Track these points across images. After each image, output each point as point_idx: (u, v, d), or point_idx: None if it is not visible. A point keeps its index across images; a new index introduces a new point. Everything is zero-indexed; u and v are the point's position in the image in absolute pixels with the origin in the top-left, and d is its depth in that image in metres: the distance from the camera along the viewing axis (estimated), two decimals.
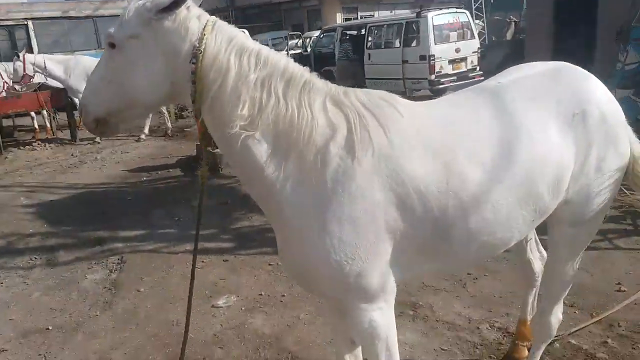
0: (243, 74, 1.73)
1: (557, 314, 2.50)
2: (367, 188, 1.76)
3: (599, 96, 2.13)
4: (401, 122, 1.86)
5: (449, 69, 13.03)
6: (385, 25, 14.25)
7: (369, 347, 1.98)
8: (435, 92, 13.55)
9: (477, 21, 21.28)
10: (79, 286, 4.39)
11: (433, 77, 12.68)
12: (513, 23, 20.96)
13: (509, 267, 4.03)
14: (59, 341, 3.59)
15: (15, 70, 10.16)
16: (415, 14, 13.40)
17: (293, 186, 1.80)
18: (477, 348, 3.19)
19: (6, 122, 11.78)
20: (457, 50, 13.12)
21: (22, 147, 10.30)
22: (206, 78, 1.72)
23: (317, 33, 17.28)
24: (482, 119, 1.98)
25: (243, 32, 1.98)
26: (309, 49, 16.55)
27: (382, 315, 1.91)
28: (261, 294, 3.98)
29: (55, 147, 10.31)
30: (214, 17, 1.83)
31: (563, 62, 2.31)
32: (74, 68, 9.98)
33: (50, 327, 3.77)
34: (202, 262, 4.62)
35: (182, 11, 1.73)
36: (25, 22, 15.21)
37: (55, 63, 10.36)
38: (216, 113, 1.76)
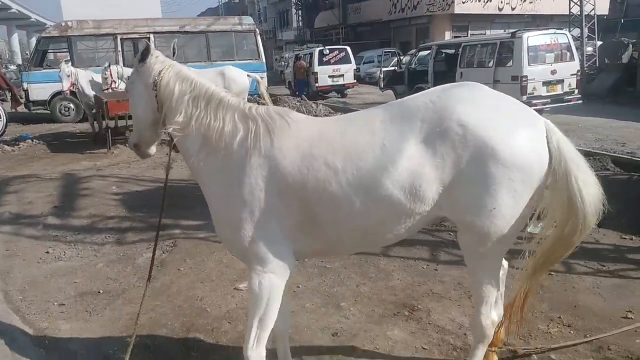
0: (181, 95, 2.52)
1: (487, 315, 2.59)
2: (253, 177, 2.38)
3: (466, 115, 2.25)
4: (286, 131, 2.43)
5: (542, 91, 12.63)
6: (479, 45, 14.16)
7: (251, 301, 2.53)
8: None
9: (589, 42, 20.19)
10: (135, 262, 5.07)
11: (524, 98, 12.31)
12: (631, 45, 19.53)
13: None
14: (104, 303, 4.24)
15: (104, 79, 11.63)
16: (510, 34, 13.19)
17: (208, 171, 2.52)
18: (455, 351, 3.32)
19: (122, 123, 13.30)
20: (553, 72, 12.65)
21: (127, 145, 11.61)
22: (161, 98, 2.55)
23: None
24: (347, 133, 2.38)
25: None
26: (402, 67, 16.77)
27: (270, 282, 2.46)
28: None
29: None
30: (173, 61, 2.65)
31: (463, 83, 2.52)
32: None
33: (101, 291, 4.45)
34: None
35: (151, 59, 2.59)
36: (148, 36, 17.04)
37: None
38: (167, 120, 2.57)
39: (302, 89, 21.06)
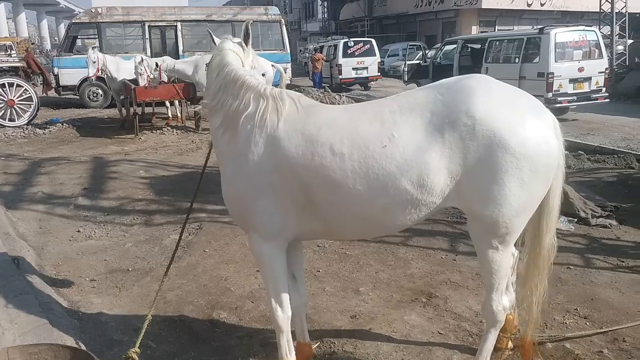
0: (216, 80, 2.70)
1: (498, 301, 2.66)
2: (256, 153, 2.51)
3: (474, 106, 2.32)
4: (294, 114, 2.54)
5: (569, 88, 12.49)
6: (506, 40, 14.05)
7: (260, 269, 2.98)
8: (553, 110, 13.02)
9: (619, 40, 19.84)
10: (162, 243, 5.25)
11: (550, 95, 12.25)
12: None
13: None
14: (133, 280, 4.43)
15: (154, 78, 11.69)
16: (537, 30, 13.06)
17: (222, 145, 2.69)
18: (471, 337, 3.41)
19: (148, 110, 13.59)
20: (581, 70, 12.51)
21: (154, 131, 11.87)
22: (207, 79, 2.83)
23: None
24: (356, 122, 2.45)
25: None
26: (427, 60, 16.73)
27: (269, 249, 2.65)
28: None
29: (180, 134, 11.74)
30: (225, 52, 2.76)
31: (472, 75, 2.57)
32: (201, 66, 11.25)
33: (130, 269, 4.64)
34: None
35: (216, 44, 2.90)
36: (175, 24, 17.32)
37: (186, 64, 11.81)
38: (204, 96, 2.80)
39: (319, 81, 21.12)
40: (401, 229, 2.68)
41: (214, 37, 3.03)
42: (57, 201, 6.75)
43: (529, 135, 2.33)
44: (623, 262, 4.48)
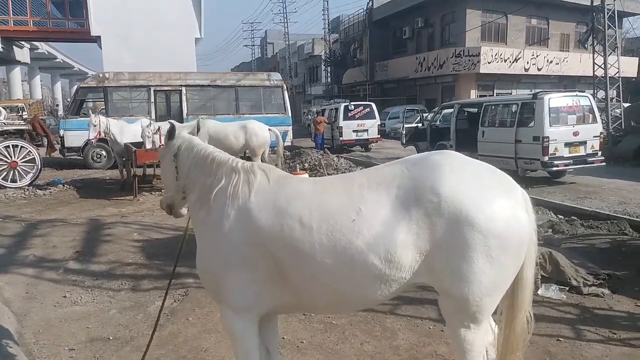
0: (187, 160, 2.88)
1: None
2: (228, 226, 2.56)
3: (440, 183, 2.34)
4: (266, 186, 2.59)
5: (565, 152, 12.61)
6: (501, 105, 14.31)
7: (232, 343, 2.88)
8: (551, 174, 13.20)
9: (616, 104, 20.17)
10: (146, 310, 5.18)
11: (546, 158, 12.37)
12: None
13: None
14: (112, 350, 4.33)
15: (154, 142, 11.82)
16: (532, 95, 13.34)
17: (199, 219, 2.78)
18: None
19: (150, 172, 13.74)
20: (576, 134, 12.68)
21: (153, 193, 11.95)
22: (178, 166, 2.93)
23: None
24: (325, 195, 2.48)
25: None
26: (425, 124, 17.02)
27: (240, 323, 2.65)
28: (284, 337, 4.39)
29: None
30: (189, 137, 3.02)
31: (440, 151, 2.61)
32: (199, 129, 11.46)
33: (111, 338, 4.55)
34: None
35: (174, 138, 3.00)
36: (180, 89, 17.83)
37: (184, 129, 11.99)
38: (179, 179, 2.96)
39: (321, 142, 21.54)
40: (374, 304, 2.66)
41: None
42: (47, 265, 6.72)
43: (497, 212, 2.33)
44: (615, 334, 4.35)
